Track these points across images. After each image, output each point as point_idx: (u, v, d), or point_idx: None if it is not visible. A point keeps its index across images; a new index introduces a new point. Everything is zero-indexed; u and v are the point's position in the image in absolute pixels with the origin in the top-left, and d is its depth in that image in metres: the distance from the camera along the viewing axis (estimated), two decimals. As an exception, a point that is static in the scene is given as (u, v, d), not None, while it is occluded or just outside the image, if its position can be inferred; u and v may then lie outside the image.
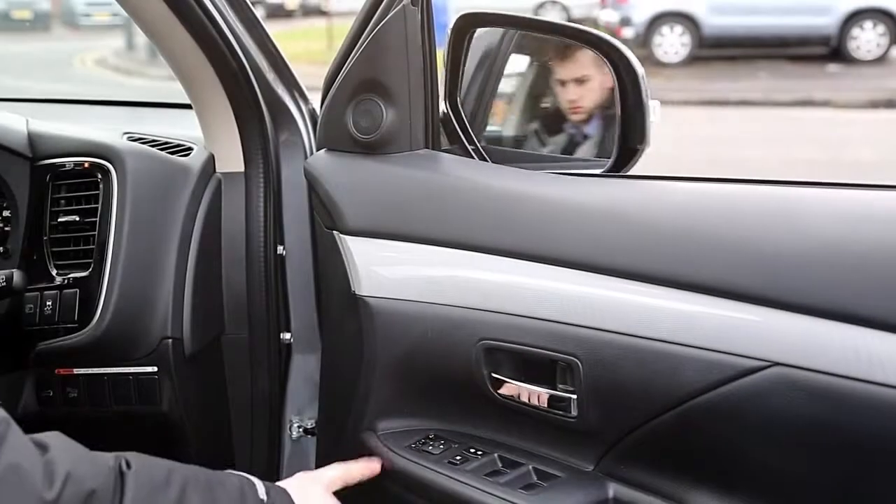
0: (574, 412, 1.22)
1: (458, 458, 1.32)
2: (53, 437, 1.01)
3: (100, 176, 1.58)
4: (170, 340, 1.57)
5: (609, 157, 1.40)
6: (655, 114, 1.38)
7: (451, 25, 1.45)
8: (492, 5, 1.57)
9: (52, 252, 1.60)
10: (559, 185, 1.34)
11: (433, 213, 1.35)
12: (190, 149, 1.70)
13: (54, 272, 1.58)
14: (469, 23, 1.47)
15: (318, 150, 1.49)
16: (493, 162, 1.46)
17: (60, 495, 0.93)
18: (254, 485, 1.18)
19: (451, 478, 1.29)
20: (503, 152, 1.52)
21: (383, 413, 1.42)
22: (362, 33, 1.38)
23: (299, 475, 1.32)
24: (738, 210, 1.17)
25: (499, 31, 1.57)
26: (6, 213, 1.66)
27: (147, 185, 1.58)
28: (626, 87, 1.35)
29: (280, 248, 1.68)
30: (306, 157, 1.65)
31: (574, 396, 1.22)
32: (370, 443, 1.39)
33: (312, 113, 1.73)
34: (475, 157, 1.47)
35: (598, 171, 1.41)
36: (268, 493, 1.18)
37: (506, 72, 1.59)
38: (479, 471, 1.29)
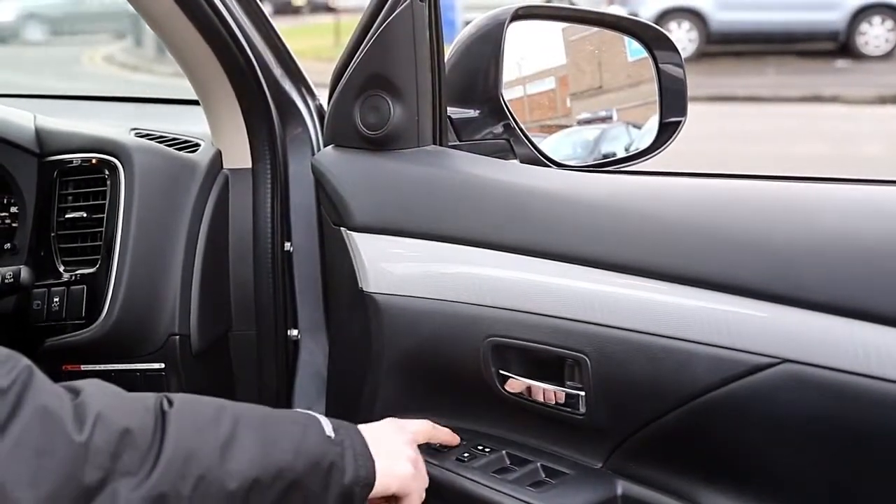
0: (582, 409, 1.22)
1: (466, 455, 1.32)
2: (88, 382, 0.98)
3: (107, 172, 1.58)
4: (177, 337, 1.57)
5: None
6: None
7: (509, 18, 1.45)
8: (499, 2, 1.57)
9: (59, 248, 1.60)
10: (568, 180, 1.34)
11: (441, 210, 1.34)
12: (197, 145, 1.70)
13: (62, 268, 1.58)
14: (523, 16, 1.48)
15: (325, 146, 1.49)
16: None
17: (92, 436, 0.91)
18: (318, 421, 1.13)
19: (459, 475, 1.29)
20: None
21: (391, 410, 1.42)
22: (370, 29, 1.37)
23: (385, 421, 1.27)
24: (747, 206, 1.17)
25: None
26: (14, 210, 1.66)
27: (154, 182, 1.58)
28: (664, 66, 1.51)
29: (287, 245, 1.68)
30: (314, 154, 1.65)
31: (582, 393, 1.21)
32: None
33: (320, 109, 1.73)
34: (544, 159, 1.47)
35: (643, 148, 1.54)
36: (336, 431, 1.13)
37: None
38: (487, 468, 1.29)
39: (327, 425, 1.14)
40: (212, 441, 1.01)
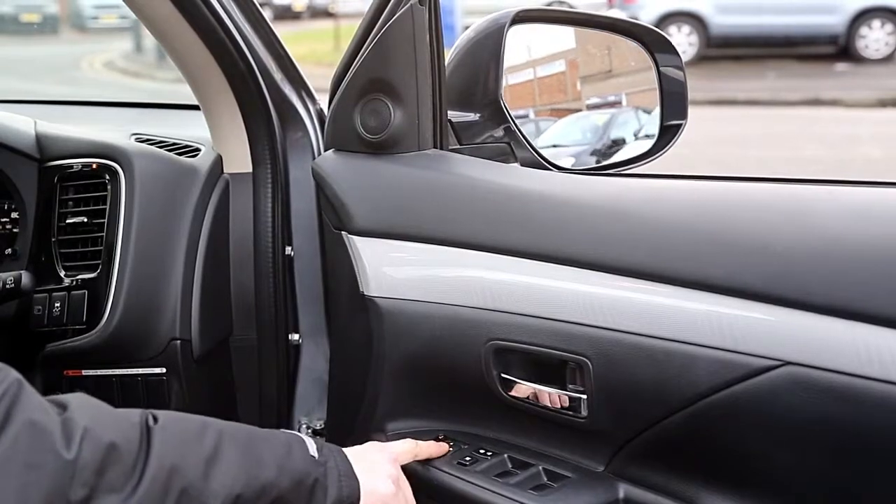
0: (584, 412, 1.22)
1: (468, 459, 1.32)
2: (74, 397, 0.98)
3: (108, 177, 1.58)
4: (178, 342, 1.57)
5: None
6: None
7: (508, 22, 1.45)
8: (500, 4, 1.57)
9: (60, 253, 1.60)
10: (569, 184, 1.34)
11: (442, 213, 1.34)
12: (198, 150, 1.70)
13: (63, 273, 1.58)
14: (523, 19, 1.48)
15: (326, 150, 1.49)
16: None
17: (80, 452, 0.91)
18: (303, 441, 1.14)
19: (460, 479, 1.28)
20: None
21: (392, 414, 1.42)
22: (370, 33, 1.37)
23: (367, 444, 1.28)
24: (749, 208, 1.16)
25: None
26: (14, 215, 1.66)
27: (155, 187, 1.58)
28: (665, 69, 1.51)
29: (288, 249, 1.68)
30: (314, 158, 1.65)
31: (584, 397, 1.21)
32: (379, 444, 1.39)
33: (320, 113, 1.73)
34: (544, 162, 1.47)
35: (643, 151, 1.54)
36: (320, 451, 1.14)
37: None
38: (489, 472, 1.29)
39: (311, 445, 1.14)
40: (196, 456, 1.01)
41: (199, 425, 1.05)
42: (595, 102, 1.66)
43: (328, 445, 1.18)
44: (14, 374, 0.93)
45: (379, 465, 1.22)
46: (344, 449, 1.20)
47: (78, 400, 0.98)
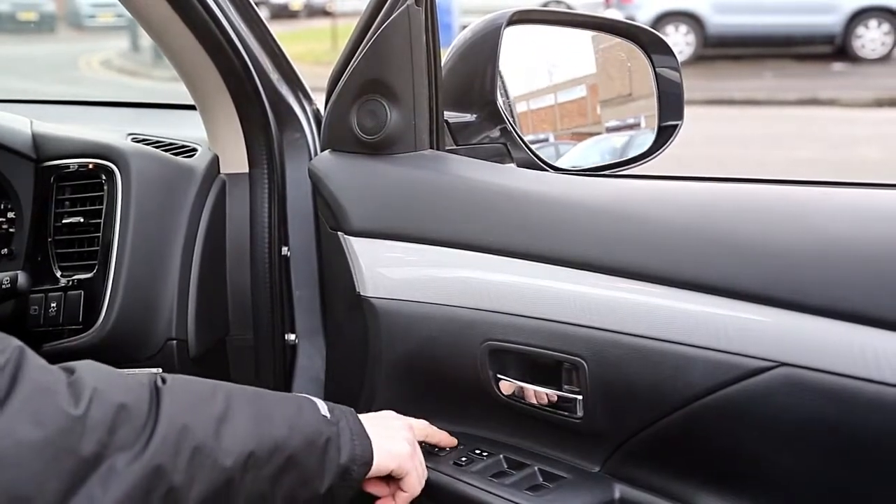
0: (580, 413, 1.22)
1: (464, 459, 1.32)
2: (82, 362, 1.00)
3: (104, 177, 1.58)
4: (174, 342, 1.56)
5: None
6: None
7: (505, 23, 1.45)
8: (498, 5, 1.57)
9: (56, 253, 1.59)
10: (565, 184, 1.34)
11: (438, 214, 1.34)
12: (194, 150, 1.70)
13: (59, 274, 1.58)
14: (519, 20, 1.48)
15: (322, 150, 1.49)
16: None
17: (88, 410, 0.92)
18: (313, 402, 1.14)
19: (456, 479, 1.29)
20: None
21: (388, 414, 1.42)
22: (366, 33, 1.37)
23: (383, 411, 1.29)
24: (745, 210, 1.17)
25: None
26: (10, 215, 1.66)
27: (151, 187, 1.58)
28: (661, 70, 1.53)
29: (284, 249, 1.68)
30: (311, 158, 1.64)
31: (580, 397, 1.21)
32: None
33: (317, 113, 1.73)
34: (540, 163, 1.47)
35: (640, 152, 1.55)
36: (331, 412, 1.14)
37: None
38: (485, 472, 1.29)
39: (322, 406, 1.14)
40: (206, 415, 1.01)
41: (208, 386, 1.06)
42: (614, 125, 1.67)
43: (339, 407, 1.17)
44: (15, 341, 0.94)
45: (394, 429, 1.22)
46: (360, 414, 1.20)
47: (85, 364, 0.99)
